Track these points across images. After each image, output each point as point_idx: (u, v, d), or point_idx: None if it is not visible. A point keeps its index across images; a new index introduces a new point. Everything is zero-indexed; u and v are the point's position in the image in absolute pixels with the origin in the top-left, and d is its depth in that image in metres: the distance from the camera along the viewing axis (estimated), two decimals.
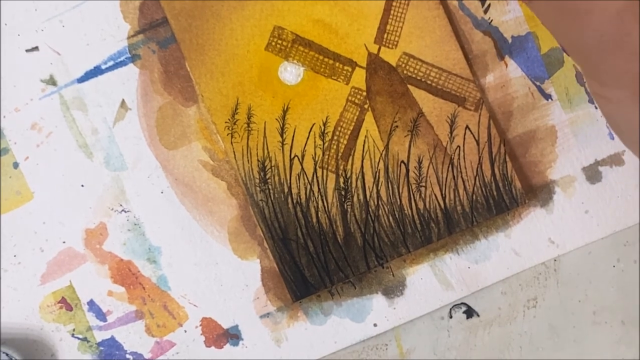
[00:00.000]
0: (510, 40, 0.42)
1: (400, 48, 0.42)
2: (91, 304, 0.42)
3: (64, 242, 0.42)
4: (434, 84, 0.42)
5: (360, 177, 0.42)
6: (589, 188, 0.42)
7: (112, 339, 0.42)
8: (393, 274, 0.42)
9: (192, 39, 0.41)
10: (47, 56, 0.42)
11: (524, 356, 0.43)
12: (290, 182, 0.42)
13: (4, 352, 0.41)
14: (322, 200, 0.42)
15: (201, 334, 0.42)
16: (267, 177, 0.42)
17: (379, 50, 0.42)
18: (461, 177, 0.42)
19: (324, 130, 0.42)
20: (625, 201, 0.42)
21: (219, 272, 0.42)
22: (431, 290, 0.42)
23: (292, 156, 0.42)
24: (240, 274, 0.42)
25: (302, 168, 0.42)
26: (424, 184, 0.42)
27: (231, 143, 0.42)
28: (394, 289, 0.42)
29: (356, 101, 0.42)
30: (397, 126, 0.42)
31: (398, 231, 0.42)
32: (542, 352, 0.43)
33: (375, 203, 0.42)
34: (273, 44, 0.42)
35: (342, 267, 0.42)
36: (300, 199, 0.42)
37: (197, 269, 0.42)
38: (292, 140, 0.42)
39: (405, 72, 0.42)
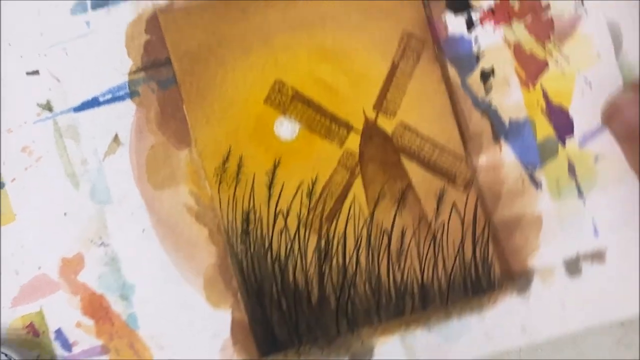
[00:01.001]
0: (507, 124, 0.42)
1: (397, 117, 0.42)
2: (58, 332, 0.42)
3: (39, 268, 0.42)
4: (426, 158, 0.42)
5: (342, 240, 0.42)
6: (568, 281, 0.42)
7: None
8: (362, 342, 0.42)
9: (192, 83, 0.42)
10: (46, 81, 0.42)
11: None
12: (271, 237, 0.42)
13: (3, 353, 0.41)
14: (302, 259, 0.42)
15: None
16: (250, 229, 0.42)
17: (376, 116, 0.42)
18: (442, 253, 0.42)
19: (312, 189, 0.42)
20: (602, 298, 0.42)
21: (190, 317, 0.42)
22: None
23: (277, 211, 0.42)
24: (210, 322, 0.42)
25: (286, 224, 0.42)
26: (404, 255, 0.42)
27: (218, 191, 0.42)
28: (361, 357, 0.42)
29: (347, 165, 0.42)
30: (384, 195, 0.42)
31: (373, 300, 0.42)
32: None
33: (354, 269, 0.42)
34: (272, 97, 0.42)
35: (312, 329, 0.42)
36: (279, 255, 0.42)
37: (168, 311, 0.42)
38: (279, 195, 0.42)
39: (399, 142, 0.42)
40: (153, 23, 0.42)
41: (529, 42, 0.42)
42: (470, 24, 0.42)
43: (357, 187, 0.42)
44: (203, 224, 0.42)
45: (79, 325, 0.42)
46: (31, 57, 0.42)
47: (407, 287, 0.42)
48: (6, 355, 0.41)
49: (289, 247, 0.42)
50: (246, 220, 0.42)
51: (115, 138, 0.42)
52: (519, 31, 0.42)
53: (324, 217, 0.42)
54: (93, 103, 0.42)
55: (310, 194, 0.42)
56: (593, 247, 0.42)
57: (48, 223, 0.42)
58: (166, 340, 0.42)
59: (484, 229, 0.42)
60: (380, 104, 0.42)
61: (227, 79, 0.42)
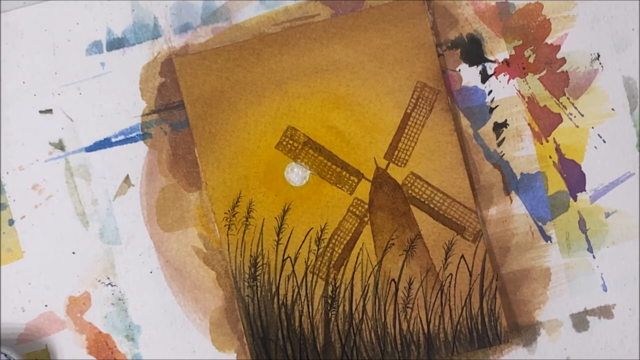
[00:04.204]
0: (519, 177, 0.43)
1: (408, 167, 0.42)
2: None
3: (46, 306, 0.43)
4: (436, 209, 0.42)
5: (349, 288, 0.42)
6: (574, 335, 0.43)
7: None
8: None
9: (205, 127, 0.42)
10: (59, 120, 0.43)
11: None
12: (279, 283, 0.42)
13: (2, 353, 0.42)
14: (308, 305, 0.42)
15: None
16: (257, 274, 0.42)
17: (387, 165, 0.42)
18: (449, 305, 0.42)
19: (321, 236, 0.42)
20: (607, 353, 0.43)
21: None
22: None
23: (285, 257, 0.42)
24: None
25: (293, 270, 0.42)
26: (411, 305, 0.42)
27: (227, 234, 0.42)
28: None
29: (357, 213, 0.42)
30: (393, 244, 0.42)
31: (378, 348, 0.42)
32: None
33: (360, 316, 0.42)
34: (284, 143, 0.42)
35: None
36: (286, 300, 0.42)
37: (173, 353, 0.43)
38: (288, 241, 0.42)
39: (410, 191, 0.42)
40: (168, 66, 0.42)
41: (543, 96, 0.43)
42: (484, 76, 0.43)
43: (366, 235, 0.42)
44: (211, 267, 0.43)
45: None
46: (45, 96, 0.43)
47: (412, 336, 0.42)
48: (6, 355, 0.42)
49: (295, 293, 0.42)
50: (254, 265, 0.42)
51: (126, 179, 0.42)
52: (534, 84, 0.43)
53: (331, 264, 0.42)
54: (105, 143, 0.42)
55: (318, 240, 0.42)
56: (601, 302, 0.43)
57: (56, 261, 0.43)
58: None
59: (492, 281, 0.42)
60: (391, 154, 0.42)
61: (239, 123, 0.42)
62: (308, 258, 0.42)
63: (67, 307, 0.43)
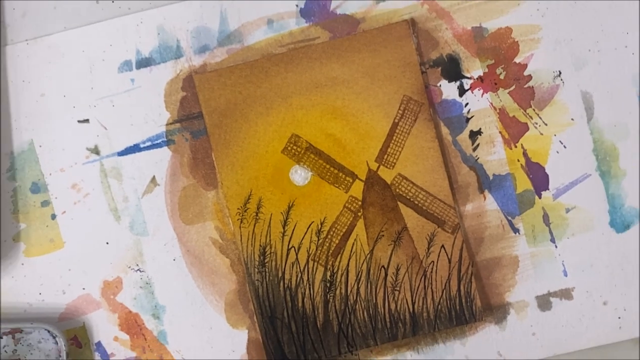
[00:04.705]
0: (491, 178, 0.49)
1: (396, 169, 0.48)
2: (98, 345, 0.49)
3: (83, 289, 0.49)
4: (420, 205, 0.48)
5: (345, 273, 0.48)
6: (539, 314, 0.49)
7: None
8: None
9: (220, 134, 0.48)
10: (95, 129, 0.48)
11: None
12: (284, 269, 0.48)
13: (46, 329, 0.47)
14: (309, 288, 0.48)
15: None
16: (266, 261, 0.48)
17: (378, 168, 0.48)
18: (431, 288, 0.48)
19: (321, 228, 0.48)
20: (568, 330, 0.49)
21: (212, 335, 0.49)
22: None
23: (290, 246, 0.48)
24: (229, 340, 0.49)
25: (297, 258, 0.48)
26: (398, 288, 0.48)
27: (240, 227, 0.48)
28: None
29: (352, 208, 0.48)
30: (383, 235, 0.48)
31: (370, 325, 0.48)
32: None
33: (354, 298, 0.48)
34: (289, 148, 0.48)
35: (317, 349, 0.48)
36: (291, 284, 0.48)
37: (193, 330, 0.49)
38: (292, 233, 0.48)
39: (397, 190, 0.48)
40: (188, 82, 0.48)
41: (512, 107, 0.48)
42: (461, 90, 0.48)
43: (360, 227, 0.48)
44: (226, 255, 0.49)
45: (116, 339, 0.49)
46: (82, 108, 0.48)
47: (399, 315, 0.48)
48: (49, 331, 0.47)
49: (299, 277, 0.48)
50: (263, 253, 0.48)
51: (153, 179, 0.48)
52: (504, 97, 0.48)
53: (330, 252, 0.48)
54: (134, 149, 0.48)
55: (318, 232, 0.48)
56: (562, 285, 0.49)
57: (92, 250, 0.49)
58: (191, 355, 0.49)
59: (468, 267, 0.48)
60: (381, 157, 0.48)
61: (250, 131, 0.48)
62: (309, 247, 0.48)
63: (101, 290, 0.49)
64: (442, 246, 0.48)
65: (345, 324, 0.48)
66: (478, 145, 0.49)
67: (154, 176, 0.48)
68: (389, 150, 0.48)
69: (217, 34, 0.48)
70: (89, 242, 0.49)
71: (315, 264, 0.48)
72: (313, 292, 0.48)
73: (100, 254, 0.49)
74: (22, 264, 0.48)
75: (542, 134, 0.48)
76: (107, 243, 0.49)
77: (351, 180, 0.48)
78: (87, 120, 0.48)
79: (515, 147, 0.48)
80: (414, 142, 0.48)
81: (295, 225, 0.48)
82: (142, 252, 0.49)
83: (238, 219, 0.48)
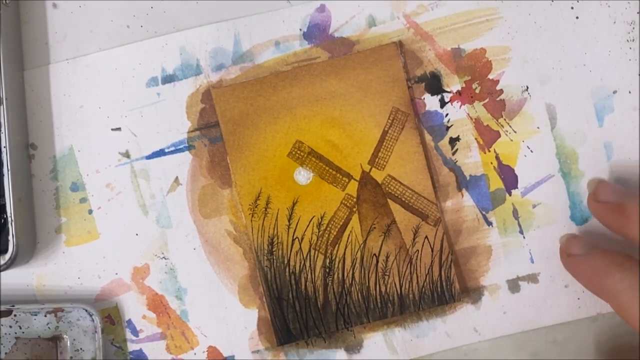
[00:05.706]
0: (468, 178, 0.53)
1: (386, 170, 0.54)
2: (129, 322, 0.54)
3: (116, 274, 0.53)
4: (406, 201, 0.54)
5: (341, 260, 0.54)
6: (510, 296, 0.53)
7: (140, 351, 0.54)
8: (355, 336, 0.55)
9: (234, 140, 0.54)
10: (126, 136, 0.53)
11: None
12: (289, 257, 0.54)
13: (84, 309, 0.51)
14: (311, 273, 0.54)
15: (206, 358, 0.55)
16: (273, 250, 0.54)
17: (370, 169, 0.54)
18: (416, 273, 0.54)
19: (321, 222, 0.53)
20: (534, 310, 0.54)
21: (227, 314, 0.54)
22: (381, 353, 0.54)
23: (294, 237, 0.53)
24: (242, 318, 0.54)
25: (300, 247, 0.54)
26: (387, 273, 0.53)
27: (251, 221, 0.53)
28: (353, 348, 0.55)
29: (347, 204, 0.54)
30: (374, 227, 0.54)
31: (363, 305, 0.54)
32: None
33: (350, 282, 0.54)
34: (293, 152, 0.53)
35: (317, 325, 0.54)
36: (295, 270, 0.54)
37: (210, 309, 0.53)
38: (296, 226, 0.53)
39: (387, 189, 0.54)
40: (207, 95, 0.53)
41: (486, 117, 0.53)
42: (442, 103, 0.53)
43: (354, 221, 0.53)
44: (239, 245, 0.54)
45: (144, 317, 0.54)
46: (115, 118, 0.53)
47: (389, 296, 0.54)
48: (86, 310, 0.51)
49: (302, 264, 0.53)
50: (271, 243, 0.54)
51: (176, 180, 0.53)
52: (479, 109, 0.53)
53: (329, 242, 0.54)
54: (160, 153, 0.53)
55: (319, 225, 0.53)
56: (529, 271, 0.53)
57: (124, 240, 0.53)
58: (209, 331, 0.54)
59: (448, 255, 0.54)
60: (373, 160, 0.54)
61: (260, 138, 0.53)
62: (311, 238, 0.52)
63: (132, 275, 0.53)
64: (426, 237, 0.53)
65: (342, 304, 0.53)
66: (457, 150, 0.53)
67: (177, 177, 0.53)
68: (379, 154, 0.53)
69: (232, 54, 0.52)
70: (121, 233, 0.53)
71: (316, 252, 0.53)
72: (314, 276, 0.53)
73: (131, 244, 0.53)
74: (63, 253, 0.53)
75: (512, 140, 0.52)
76: (137, 234, 0.53)
77: (347, 180, 0.53)
78: (119, 129, 0.53)
79: (489, 151, 0.52)
80: (402, 147, 0.52)
81: (299, 219, 0.53)
82: (167, 242, 0.53)
83: (250, 214, 0.53)
